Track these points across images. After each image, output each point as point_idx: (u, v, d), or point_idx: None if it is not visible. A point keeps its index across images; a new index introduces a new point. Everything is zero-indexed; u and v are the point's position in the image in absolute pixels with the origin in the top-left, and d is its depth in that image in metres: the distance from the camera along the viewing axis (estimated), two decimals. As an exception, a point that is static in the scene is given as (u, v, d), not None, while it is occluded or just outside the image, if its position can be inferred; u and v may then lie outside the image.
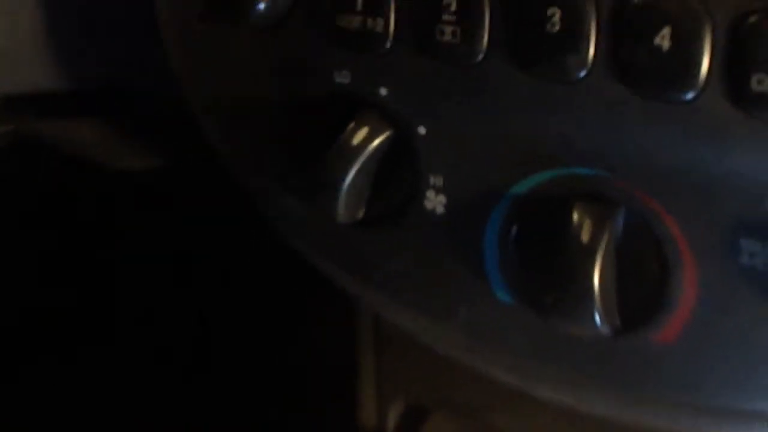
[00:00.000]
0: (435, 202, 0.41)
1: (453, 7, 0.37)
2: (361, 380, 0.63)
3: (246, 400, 0.80)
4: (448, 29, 0.37)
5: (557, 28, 0.35)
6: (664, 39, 0.33)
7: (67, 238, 0.80)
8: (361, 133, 0.40)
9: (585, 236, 0.36)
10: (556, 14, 0.35)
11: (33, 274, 0.80)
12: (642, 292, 0.38)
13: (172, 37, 0.46)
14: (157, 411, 0.81)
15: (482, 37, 0.37)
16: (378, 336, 0.62)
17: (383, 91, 0.40)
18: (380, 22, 0.38)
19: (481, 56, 0.37)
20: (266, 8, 0.40)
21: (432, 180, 0.40)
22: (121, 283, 0.82)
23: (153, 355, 0.82)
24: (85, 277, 0.81)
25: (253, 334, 0.80)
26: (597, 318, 0.37)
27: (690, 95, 0.34)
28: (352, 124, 0.40)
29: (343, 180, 0.40)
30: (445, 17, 0.37)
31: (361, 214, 0.42)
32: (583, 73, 0.35)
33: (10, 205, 0.74)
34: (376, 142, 0.40)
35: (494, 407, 0.58)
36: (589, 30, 0.34)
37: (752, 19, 0.32)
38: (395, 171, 0.41)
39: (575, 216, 0.36)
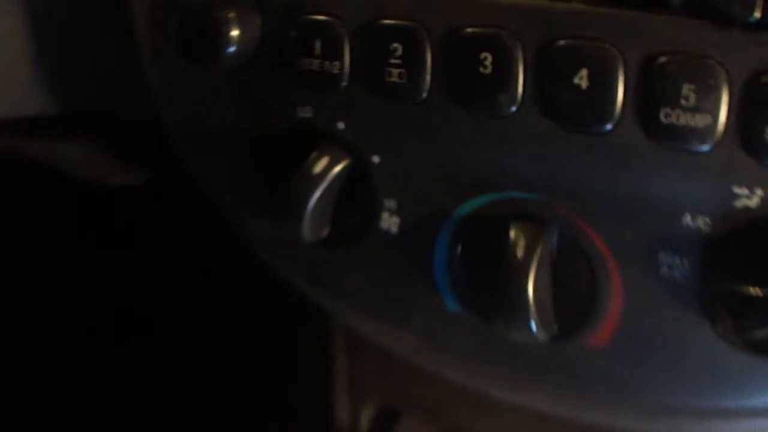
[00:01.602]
0: (390, 222, 0.44)
1: (399, 52, 0.40)
2: (334, 383, 0.65)
3: (220, 402, 0.81)
4: (395, 71, 0.40)
5: (489, 70, 0.38)
6: (582, 79, 0.37)
7: (55, 252, 0.81)
8: (323, 162, 0.43)
9: (520, 253, 0.40)
10: (487, 58, 0.38)
11: (20, 288, 0.81)
12: (576, 301, 0.41)
13: (152, 71, 0.49)
14: (132, 409, 0.82)
15: (425, 78, 0.40)
16: (350, 340, 0.63)
17: (341, 125, 0.43)
18: (336, 64, 0.41)
19: (424, 94, 0.40)
20: (235, 51, 0.43)
21: (386, 203, 0.44)
22: (109, 293, 0.83)
23: (135, 357, 0.83)
24: (73, 289, 0.83)
25: (227, 338, 0.82)
26: (533, 325, 0.40)
27: (607, 127, 0.37)
28: (314, 154, 0.43)
29: (307, 203, 0.43)
30: (392, 60, 0.40)
31: (324, 233, 0.45)
32: (513, 109, 0.38)
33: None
34: (336, 169, 0.43)
35: (463, 408, 0.60)
36: (516, 71, 0.38)
37: (660, 60, 0.36)
38: (354, 195, 0.44)
39: (512, 235, 0.40)
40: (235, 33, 0.43)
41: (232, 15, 0.43)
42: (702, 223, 0.38)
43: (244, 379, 0.81)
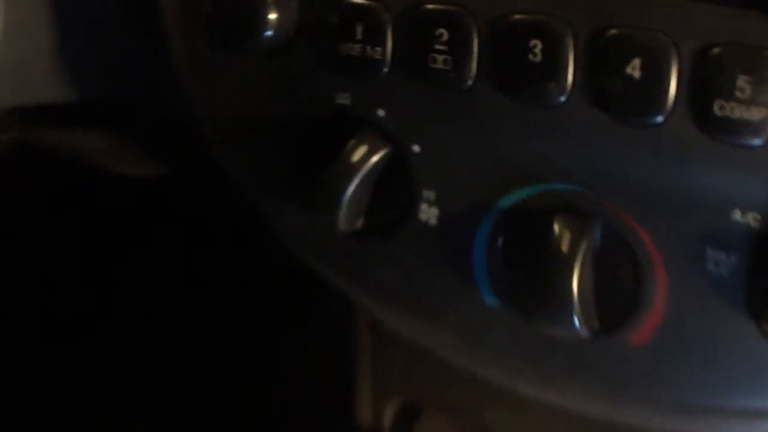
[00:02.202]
0: (428, 214, 0.43)
1: (444, 38, 0.39)
2: (357, 379, 0.64)
3: (243, 399, 0.81)
4: (440, 58, 0.39)
5: (538, 58, 0.37)
6: (634, 69, 0.36)
7: (70, 242, 0.81)
8: (361, 151, 0.42)
9: (565, 247, 0.39)
10: (537, 46, 0.37)
11: (36, 277, 0.81)
12: (618, 297, 0.40)
13: (181, 61, 0.48)
14: (155, 410, 0.82)
15: (471, 65, 0.39)
16: (374, 335, 0.63)
17: (381, 112, 0.42)
18: (378, 50, 0.40)
19: (469, 82, 0.39)
20: (272, 36, 0.42)
21: (425, 194, 0.43)
22: (124, 286, 0.83)
23: (153, 355, 0.82)
24: (88, 279, 0.82)
25: (250, 333, 0.81)
26: (576, 321, 0.39)
27: (659, 119, 0.36)
28: (352, 142, 0.42)
29: (344, 193, 0.42)
30: (438, 47, 0.39)
31: (359, 224, 0.44)
32: (562, 99, 0.38)
33: (14, 209, 0.75)
34: (374, 158, 0.42)
35: (487, 405, 0.60)
36: (567, 60, 0.37)
37: (714, 51, 0.35)
38: (392, 185, 0.43)
39: (556, 228, 0.39)
40: (272, 16, 0.42)
41: (269, -3, 0.42)
42: (752, 218, 0.37)
43: (267, 375, 0.80)
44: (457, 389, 0.59)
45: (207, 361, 0.83)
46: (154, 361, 0.82)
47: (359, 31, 0.41)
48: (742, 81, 0.35)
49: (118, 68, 0.59)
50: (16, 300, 0.79)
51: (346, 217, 0.43)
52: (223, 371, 0.82)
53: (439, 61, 0.39)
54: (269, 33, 0.42)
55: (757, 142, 0.35)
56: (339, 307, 0.50)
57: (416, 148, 0.42)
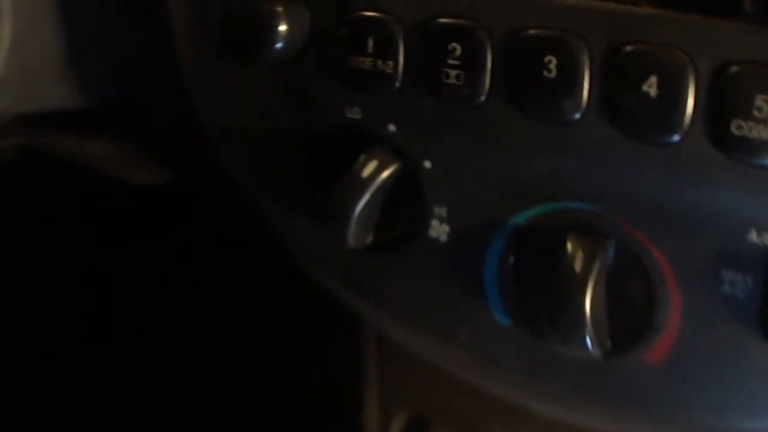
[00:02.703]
0: (439, 231, 0.43)
1: (457, 53, 0.38)
2: (365, 392, 0.64)
3: (251, 411, 0.80)
4: (453, 73, 0.39)
5: (553, 74, 0.37)
6: (651, 86, 0.35)
7: (77, 246, 0.81)
8: (371, 166, 0.42)
9: (578, 266, 0.38)
10: (552, 61, 0.37)
11: (42, 280, 0.80)
12: (631, 317, 0.40)
13: (191, 71, 0.48)
14: (159, 418, 0.81)
15: (484, 80, 0.38)
16: (381, 349, 0.62)
17: (392, 128, 0.42)
18: (390, 64, 0.40)
19: (483, 98, 0.39)
20: (281, 47, 0.42)
21: (436, 210, 0.42)
22: (129, 291, 0.83)
23: (155, 363, 0.82)
24: (93, 284, 0.82)
25: (258, 345, 0.81)
26: (588, 341, 0.39)
27: (675, 138, 0.36)
28: (362, 157, 0.42)
29: (354, 209, 0.41)
30: (451, 61, 0.39)
31: (369, 240, 0.43)
32: (577, 116, 0.37)
33: (19, 214, 0.74)
34: (385, 174, 0.42)
35: (494, 420, 0.59)
36: (582, 77, 0.36)
37: (732, 69, 0.34)
38: (402, 201, 0.42)
39: (569, 247, 0.39)
40: (283, 28, 0.41)
41: (280, 9, 0.41)
42: None
43: (272, 387, 0.80)
44: (464, 403, 0.59)
45: (209, 373, 0.83)
46: (155, 366, 0.81)
47: (370, 44, 0.40)
48: (760, 100, 0.34)
49: (125, 75, 0.59)
50: (19, 305, 0.78)
51: (355, 233, 0.42)
52: (227, 383, 0.82)
53: (452, 77, 0.39)
54: (279, 45, 0.41)
55: (775, 162, 0.34)
56: (346, 319, 0.49)
57: (427, 164, 0.42)
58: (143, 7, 0.54)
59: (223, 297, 0.82)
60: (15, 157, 0.67)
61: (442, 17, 0.39)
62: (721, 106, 0.35)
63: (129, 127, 0.65)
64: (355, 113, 0.42)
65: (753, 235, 0.37)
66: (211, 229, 0.79)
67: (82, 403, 0.81)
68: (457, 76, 0.39)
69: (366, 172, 0.41)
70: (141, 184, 0.71)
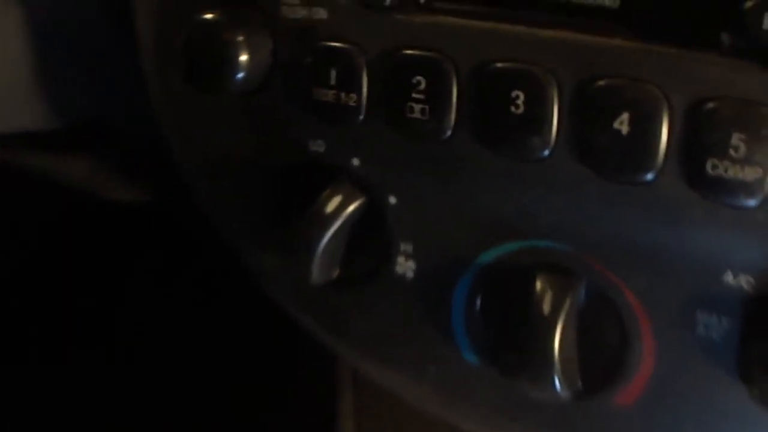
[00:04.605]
0: (405, 267, 0.41)
1: (422, 86, 0.37)
2: (340, 422, 0.63)
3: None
4: (417, 107, 0.37)
5: (521, 110, 0.35)
6: (623, 123, 0.34)
7: (54, 267, 0.80)
8: (335, 201, 0.40)
9: (546, 306, 0.37)
10: (519, 96, 0.35)
11: (18, 301, 0.80)
12: (603, 358, 0.39)
13: (158, 98, 0.47)
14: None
15: (449, 115, 0.37)
16: (356, 379, 0.61)
17: (356, 162, 0.40)
18: (353, 96, 0.39)
19: (448, 133, 0.37)
20: (244, 77, 0.40)
21: (402, 246, 0.41)
22: (108, 311, 0.82)
23: (136, 389, 0.81)
24: (75, 304, 0.81)
25: (232, 370, 0.80)
26: (557, 383, 0.38)
27: (648, 177, 0.34)
28: (326, 192, 0.40)
29: (318, 244, 0.40)
30: (415, 95, 0.37)
31: (335, 274, 0.42)
32: (545, 153, 0.36)
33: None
34: (350, 209, 0.41)
35: None
36: (551, 113, 0.35)
37: (708, 105, 0.33)
38: (368, 236, 0.41)
39: (538, 287, 0.37)
40: (244, 57, 0.40)
41: (241, 38, 0.40)
42: (744, 281, 0.35)
43: (247, 415, 0.79)
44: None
45: (185, 394, 0.82)
46: (128, 388, 0.80)
47: (333, 75, 0.39)
48: (736, 139, 0.33)
49: (98, 95, 0.58)
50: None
51: (320, 268, 0.41)
52: (200, 412, 0.81)
53: (417, 111, 0.37)
54: (241, 75, 0.40)
55: (751, 203, 0.33)
56: (321, 348, 0.48)
57: (393, 200, 0.41)
58: (116, 28, 0.53)
59: (190, 319, 0.81)
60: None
61: (407, 48, 0.38)
62: (696, 145, 0.33)
63: (105, 145, 0.64)
64: (318, 146, 0.41)
65: (729, 277, 0.36)
66: (184, 247, 0.78)
67: (80, 404, 0.80)
68: (422, 111, 0.37)
69: (330, 207, 0.40)
70: (117, 202, 0.70)
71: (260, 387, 0.78)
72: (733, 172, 0.33)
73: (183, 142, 0.47)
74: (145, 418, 0.80)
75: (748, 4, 0.32)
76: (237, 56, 0.40)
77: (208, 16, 0.41)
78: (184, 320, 0.81)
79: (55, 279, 0.80)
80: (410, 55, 0.37)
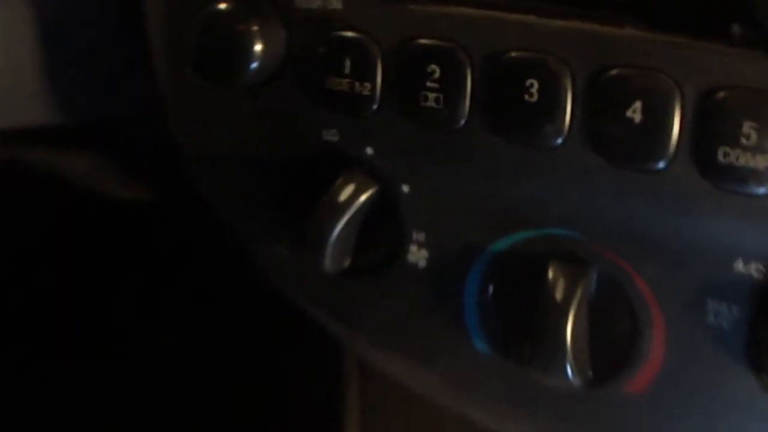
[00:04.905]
0: (418, 256, 0.42)
1: (436, 75, 0.37)
2: (345, 415, 0.63)
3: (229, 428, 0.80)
4: (431, 95, 0.38)
5: (535, 98, 0.36)
6: (635, 112, 0.34)
7: (60, 262, 0.80)
8: (348, 190, 0.41)
9: (559, 294, 0.37)
10: (533, 85, 0.36)
11: (21, 299, 0.80)
12: (614, 346, 0.39)
13: (167, 90, 0.47)
14: None
15: (464, 104, 0.37)
16: (361, 372, 0.62)
17: (369, 151, 0.41)
18: (367, 85, 0.39)
19: (462, 122, 0.38)
20: (257, 68, 0.40)
21: (415, 235, 0.41)
22: (114, 306, 0.82)
23: (134, 385, 0.81)
24: (76, 302, 0.81)
25: (236, 365, 0.80)
26: (569, 371, 0.38)
27: (660, 165, 0.35)
28: (339, 181, 0.41)
29: (331, 233, 0.40)
30: (429, 84, 0.37)
31: (347, 264, 0.42)
32: (558, 142, 0.36)
33: (2, 230, 0.74)
34: (362, 198, 0.41)
35: None
36: (564, 101, 0.35)
37: (719, 94, 0.33)
38: (380, 225, 0.41)
39: (550, 275, 0.38)
40: (258, 48, 0.40)
41: (255, 28, 0.40)
42: (754, 269, 0.36)
43: (253, 410, 0.79)
44: (447, 428, 0.58)
45: (187, 389, 0.82)
46: (134, 386, 0.80)
47: (348, 65, 0.39)
48: (747, 127, 0.33)
49: (104, 92, 0.58)
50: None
51: (332, 258, 0.41)
52: (202, 404, 0.81)
53: (431, 99, 0.38)
54: (255, 65, 0.40)
55: (762, 191, 0.34)
56: (328, 343, 0.48)
57: (406, 188, 0.41)
58: (123, 25, 0.53)
59: (196, 316, 0.81)
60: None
61: (422, 38, 0.38)
62: (707, 133, 0.34)
63: (108, 144, 0.64)
64: (332, 135, 0.41)
65: (739, 265, 0.36)
66: (189, 245, 0.78)
67: (80, 404, 0.80)
68: (436, 99, 0.38)
69: (343, 196, 0.41)
70: (119, 200, 0.70)
71: (262, 385, 0.78)
72: (744, 160, 0.33)
73: (192, 135, 0.47)
74: (146, 417, 0.80)
75: (759, -5, 0.33)
76: (251, 46, 0.40)
77: (221, 6, 0.41)
78: (184, 319, 0.81)
79: (55, 276, 0.80)
80: (425, 44, 0.38)
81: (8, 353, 0.78)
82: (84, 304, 0.80)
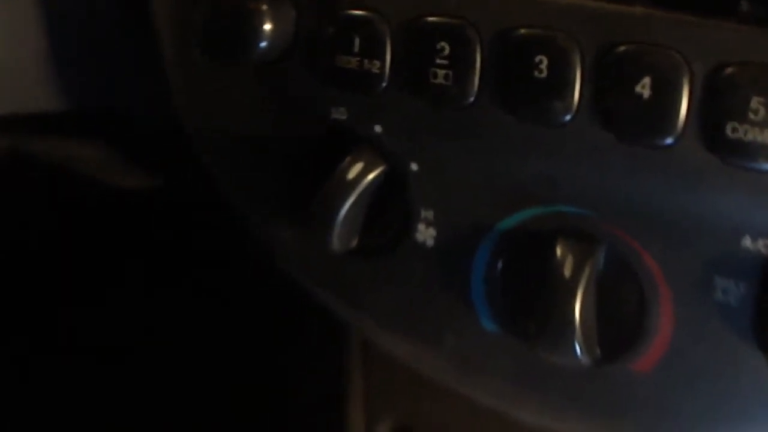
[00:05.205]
0: (426, 234, 0.42)
1: (446, 52, 0.37)
2: (349, 400, 0.63)
3: (233, 419, 0.80)
4: (441, 72, 0.38)
5: (544, 74, 0.36)
6: (644, 87, 0.34)
7: (63, 253, 0.80)
8: (356, 168, 0.41)
9: (567, 272, 0.38)
10: (543, 61, 0.36)
11: (29, 286, 0.80)
12: (622, 324, 0.39)
13: (175, 71, 0.47)
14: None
15: (473, 80, 0.37)
16: (366, 356, 0.62)
17: (378, 129, 0.41)
18: (376, 63, 0.39)
19: (471, 99, 0.38)
20: (267, 47, 0.40)
21: (423, 214, 0.41)
22: (116, 299, 0.82)
23: (140, 372, 0.81)
24: (80, 292, 0.81)
25: (240, 352, 0.80)
26: (577, 349, 0.38)
27: (669, 141, 0.35)
28: (347, 159, 0.41)
29: (339, 212, 0.40)
30: (438, 61, 0.38)
31: (354, 243, 0.42)
32: (567, 118, 0.36)
33: (4, 216, 0.74)
34: (371, 176, 0.41)
35: (479, 427, 0.59)
36: (574, 77, 0.36)
37: (728, 70, 0.34)
38: (388, 204, 0.42)
39: (558, 252, 0.38)
40: (267, 27, 0.40)
41: (264, 7, 0.40)
42: (762, 246, 0.36)
43: (257, 395, 0.79)
44: (449, 410, 0.58)
45: (191, 378, 0.82)
46: (137, 377, 0.80)
47: (357, 43, 0.39)
48: (755, 102, 0.33)
49: (109, 78, 0.58)
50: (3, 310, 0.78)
51: (340, 237, 0.41)
52: (207, 389, 0.81)
53: (440, 76, 0.38)
54: (264, 44, 0.40)
55: (771, 166, 0.34)
56: (331, 325, 0.48)
57: (414, 167, 0.41)
58: (129, 11, 0.53)
59: (201, 304, 0.81)
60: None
61: (431, 15, 0.38)
62: (715, 109, 0.34)
63: (117, 129, 0.64)
64: (340, 114, 0.41)
65: (747, 241, 0.36)
66: (196, 236, 0.78)
67: (81, 403, 0.80)
68: (446, 76, 0.38)
69: (352, 173, 0.41)
70: (128, 189, 0.70)
71: (268, 364, 0.78)
72: (753, 135, 0.33)
73: (197, 114, 0.47)
74: (146, 416, 0.81)
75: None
76: (261, 25, 0.40)
77: (230, -14, 0.41)
78: (188, 314, 0.81)
79: (60, 265, 0.80)
80: (434, 21, 0.38)
81: (8, 344, 0.78)
82: (84, 294, 0.80)
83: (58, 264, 0.79)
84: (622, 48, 0.35)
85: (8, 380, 0.78)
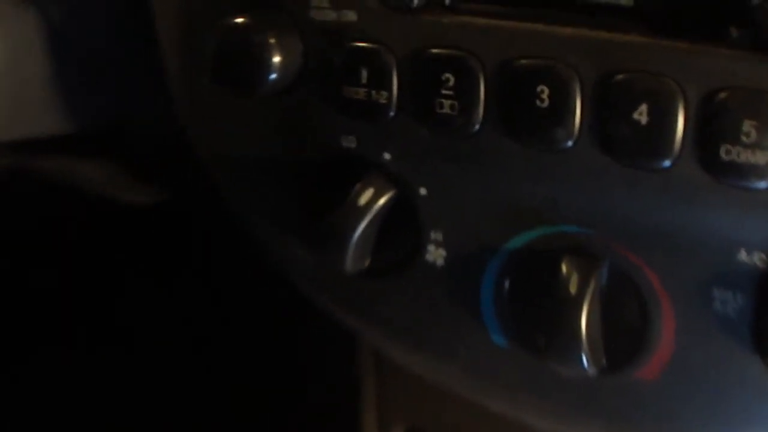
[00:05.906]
0: (435, 255, 0.43)
1: (451, 83, 0.39)
2: (362, 403, 0.64)
3: (247, 421, 0.80)
4: (447, 102, 0.39)
5: (546, 103, 0.37)
6: (641, 114, 0.36)
7: (67, 268, 0.80)
8: (368, 194, 0.42)
9: (572, 288, 0.39)
10: (544, 91, 0.37)
11: (35, 305, 0.81)
12: (626, 335, 0.41)
13: (183, 99, 0.48)
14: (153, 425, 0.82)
15: (478, 110, 0.39)
16: (379, 360, 0.63)
17: (387, 156, 0.42)
18: (384, 94, 0.40)
19: (476, 127, 0.39)
20: (276, 78, 0.42)
21: (433, 235, 0.43)
22: (125, 310, 0.82)
23: (153, 375, 0.82)
24: (86, 306, 0.81)
25: (255, 355, 0.81)
26: (584, 360, 0.39)
27: (666, 163, 0.36)
28: (359, 185, 0.42)
29: (352, 235, 0.42)
30: (444, 91, 0.39)
31: (366, 264, 0.44)
32: (569, 144, 0.38)
33: (10, 234, 0.74)
34: (381, 201, 0.42)
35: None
36: (574, 106, 0.37)
37: (720, 95, 0.35)
38: (399, 226, 0.43)
39: (563, 269, 0.39)
40: (276, 59, 0.41)
41: (273, 40, 0.41)
42: (757, 259, 0.37)
43: (272, 400, 0.80)
44: (461, 416, 0.59)
45: (205, 378, 0.82)
46: (154, 380, 0.81)
47: (364, 74, 0.41)
48: (747, 125, 0.35)
49: (113, 101, 0.59)
50: (8, 322, 0.78)
51: (353, 258, 0.43)
52: (221, 393, 0.82)
53: (446, 106, 0.39)
54: (273, 76, 0.42)
55: (762, 185, 0.35)
56: (345, 331, 0.49)
57: (423, 191, 0.42)
58: (132, 34, 0.54)
59: (212, 314, 0.82)
60: (5, 178, 0.67)
61: (435, 47, 0.39)
62: (710, 132, 0.35)
63: (119, 148, 0.65)
64: (350, 142, 0.43)
65: (743, 255, 0.38)
66: (203, 248, 0.78)
67: (83, 402, 0.81)
68: (451, 106, 0.39)
69: (363, 200, 0.42)
70: (131, 205, 0.71)
71: (283, 369, 0.79)
72: (745, 157, 0.35)
73: (210, 143, 0.48)
74: (146, 416, 0.81)
75: (756, 1, 0.34)
76: (270, 58, 0.41)
77: (239, 19, 0.42)
78: (203, 316, 0.82)
79: (68, 279, 0.80)
80: (439, 53, 0.39)
81: (14, 346, 0.79)
82: (86, 304, 0.81)
83: (65, 275, 0.80)
84: (619, 76, 0.36)
85: (10, 380, 0.79)
